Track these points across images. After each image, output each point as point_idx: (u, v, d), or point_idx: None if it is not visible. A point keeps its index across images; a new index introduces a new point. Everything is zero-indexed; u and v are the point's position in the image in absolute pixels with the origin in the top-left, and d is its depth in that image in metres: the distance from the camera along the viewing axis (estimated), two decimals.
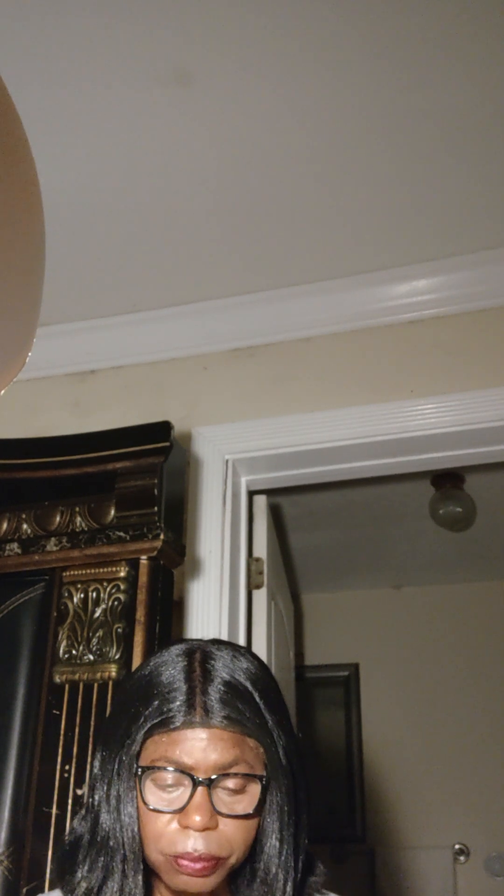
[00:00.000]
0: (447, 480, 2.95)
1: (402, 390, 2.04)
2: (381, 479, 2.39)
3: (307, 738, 3.75)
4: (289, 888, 0.91)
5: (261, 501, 2.21)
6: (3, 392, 0.53)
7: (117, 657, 1.49)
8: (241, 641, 1.93)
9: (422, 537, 3.42)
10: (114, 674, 1.48)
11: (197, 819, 0.87)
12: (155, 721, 0.91)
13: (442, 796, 3.52)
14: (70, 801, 1.41)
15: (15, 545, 1.64)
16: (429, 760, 3.59)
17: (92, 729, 1.44)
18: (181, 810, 0.88)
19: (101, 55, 1.56)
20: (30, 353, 0.55)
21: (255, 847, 0.93)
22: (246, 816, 0.90)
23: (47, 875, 1.37)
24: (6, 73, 0.59)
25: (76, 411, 2.23)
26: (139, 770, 0.91)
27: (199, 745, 0.89)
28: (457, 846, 3.46)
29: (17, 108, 0.50)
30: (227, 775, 0.89)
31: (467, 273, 2.07)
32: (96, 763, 0.97)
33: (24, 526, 1.66)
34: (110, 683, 1.48)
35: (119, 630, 1.51)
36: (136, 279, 2.14)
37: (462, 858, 3.45)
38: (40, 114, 1.65)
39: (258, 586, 2.11)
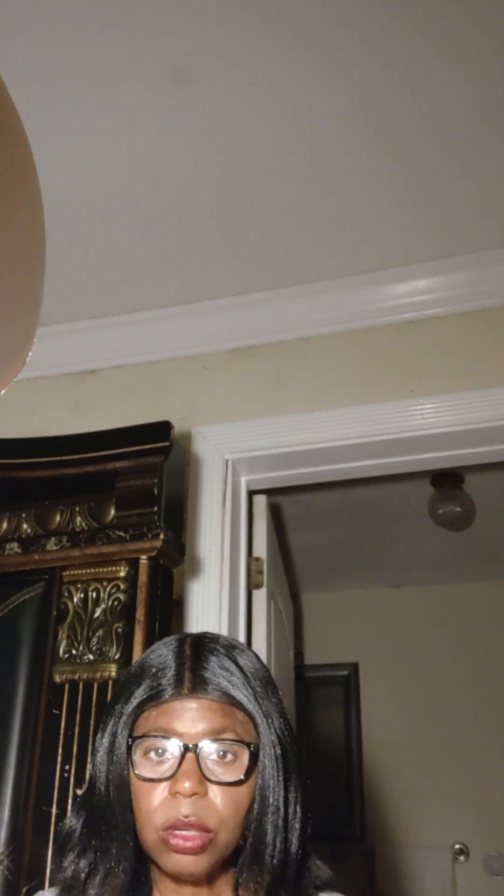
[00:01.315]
0: (446, 480, 2.95)
1: (402, 390, 2.04)
2: (380, 479, 2.39)
3: (307, 738, 3.74)
4: (289, 855, 0.91)
5: (260, 501, 2.21)
6: (3, 392, 0.54)
7: (117, 657, 1.49)
8: (241, 640, 1.93)
9: (421, 537, 3.42)
10: (114, 673, 1.48)
11: (186, 785, 0.88)
12: (145, 696, 0.94)
13: (441, 796, 3.52)
14: (70, 800, 1.41)
15: (15, 544, 1.64)
16: (428, 760, 3.59)
17: (92, 728, 1.44)
18: (171, 777, 0.90)
19: (101, 55, 1.56)
20: (30, 353, 0.55)
21: (248, 828, 0.93)
22: (236, 783, 0.91)
23: (47, 874, 1.37)
24: (6, 72, 0.59)
25: (76, 411, 2.23)
26: (130, 741, 0.93)
27: (188, 714, 0.92)
28: (456, 846, 3.46)
29: (17, 108, 0.50)
30: (215, 741, 0.91)
31: (467, 273, 2.07)
32: (95, 746, 0.99)
33: (24, 525, 1.66)
34: (110, 683, 1.48)
35: (119, 629, 1.52)
36: (136, 279, 2.14)
37: (461, 858, 3.45)
38: (40, 114, 1.65)
39: (258, 586, 2.11)
